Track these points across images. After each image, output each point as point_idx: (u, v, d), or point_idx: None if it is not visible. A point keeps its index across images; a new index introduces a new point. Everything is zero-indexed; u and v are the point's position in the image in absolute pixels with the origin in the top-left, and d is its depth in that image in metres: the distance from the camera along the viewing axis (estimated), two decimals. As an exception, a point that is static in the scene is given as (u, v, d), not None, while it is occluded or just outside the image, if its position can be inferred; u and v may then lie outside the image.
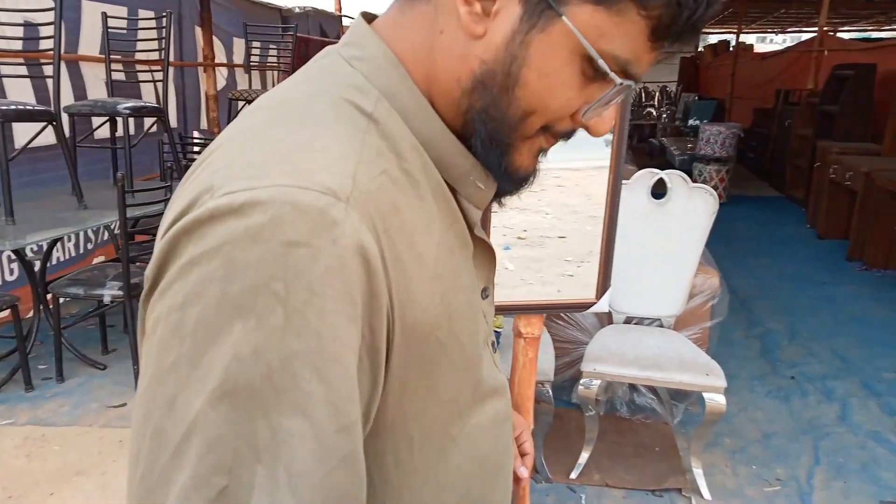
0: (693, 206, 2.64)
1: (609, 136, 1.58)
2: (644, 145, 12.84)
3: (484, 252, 0.65)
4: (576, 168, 1.62)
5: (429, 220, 0.54)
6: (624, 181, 2.79)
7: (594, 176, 1.63)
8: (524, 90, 0.53)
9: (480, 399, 0.63)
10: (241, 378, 0.42)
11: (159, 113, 3.79)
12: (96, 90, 4.22)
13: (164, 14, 3.82)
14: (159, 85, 4.29)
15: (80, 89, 3.92)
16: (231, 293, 0.42)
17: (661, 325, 2.78)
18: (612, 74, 0.52)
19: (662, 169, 2.70)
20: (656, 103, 17.15)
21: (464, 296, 0.58)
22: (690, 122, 12.92)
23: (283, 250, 0.42)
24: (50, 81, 2.91)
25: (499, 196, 0.63)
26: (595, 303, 1.72)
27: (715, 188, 7.76)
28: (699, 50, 16.76)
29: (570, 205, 1.70)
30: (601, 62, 0.51)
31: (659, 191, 2.69)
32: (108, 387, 3.18)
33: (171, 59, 5.27)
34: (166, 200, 3.09)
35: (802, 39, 10.90)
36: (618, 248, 1.87)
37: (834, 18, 14.20)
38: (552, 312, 1.76)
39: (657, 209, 2.67)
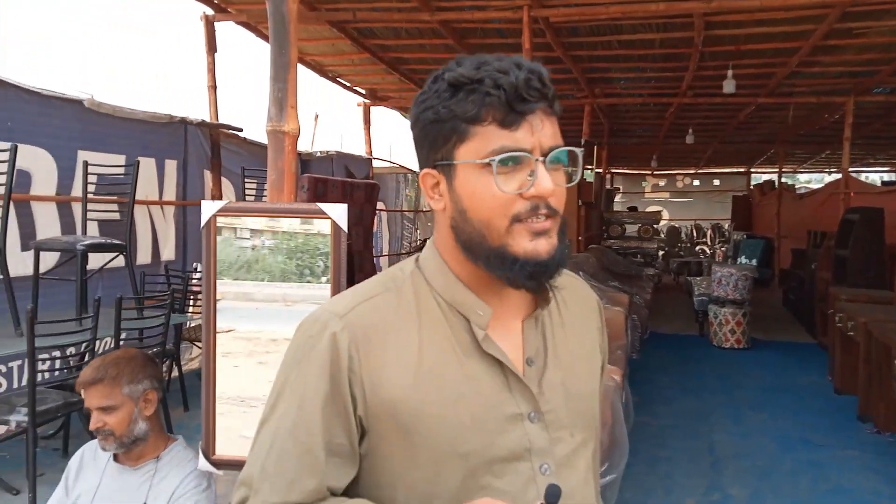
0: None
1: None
2: (686, 283, 12.45)
3: (518, 383, 0.86)
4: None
5: (419, 340, 0.85)
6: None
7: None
8: (472, 212, 0.82)
9: (485, 494, 0.83)
10: (275, 395, 0.87)
11: (121, 248, 4.11)
12: (48, 229, 4.54)
13: (132, 163, 4.26)
14: (144, 222, 4.69)
15: (28, 227, 4.33)
16: (285, 360, 0.88)
17: None
18: (491, 160, 0.80)
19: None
20: (709, 240, 16.84)
21: (467, 401, 0.83)
22: (740, 260, 12.54)
23: (304, 340, 0.86)
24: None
25: (528, 288, 0.85)
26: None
27: (732, 333, 7.38)
28: (750, 188, 16.58)
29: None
30: (487, 160, 0.80)
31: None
32: (5, 514, 3.23)
33: (173, 198, 5.80)
34: (80, 331, 3.29)
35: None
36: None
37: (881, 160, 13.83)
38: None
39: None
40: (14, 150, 3.32)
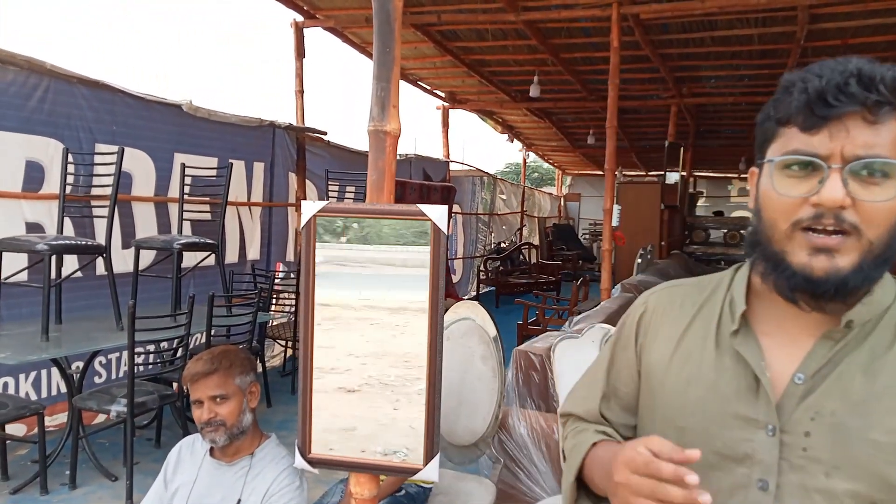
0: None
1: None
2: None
3: (765, 391, 0.84)
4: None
5: (685, 325, 0.95)
6: (574, 335, 2.62)
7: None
8: (763, 210, 0.83)
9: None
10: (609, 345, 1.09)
11: (213, 248, 4.25)
12: (147, 228, 4.76)
13: (224, 165, 4.39)
14: (233, 222, 4.83)
15: (129, 226, 4.53)
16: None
17: None
18: (769, 160, 0.81)
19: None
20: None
21: (699, 384, 0.90)
22: None
23: (632, 308, 1.05)
24: (95, 220, 3.41)
25: (791, 301, 0.83)
26: (419, 469, 1.61)
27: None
28: None
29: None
30: (791, 157, 0.79)
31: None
32: (106, 498, 3.39)
33: (260, 200, 5.97)
34: (175, 327, 3.41)
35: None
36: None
37: None
38: (381, 473, 1.66)
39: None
40: (121, 154, 3.48)
